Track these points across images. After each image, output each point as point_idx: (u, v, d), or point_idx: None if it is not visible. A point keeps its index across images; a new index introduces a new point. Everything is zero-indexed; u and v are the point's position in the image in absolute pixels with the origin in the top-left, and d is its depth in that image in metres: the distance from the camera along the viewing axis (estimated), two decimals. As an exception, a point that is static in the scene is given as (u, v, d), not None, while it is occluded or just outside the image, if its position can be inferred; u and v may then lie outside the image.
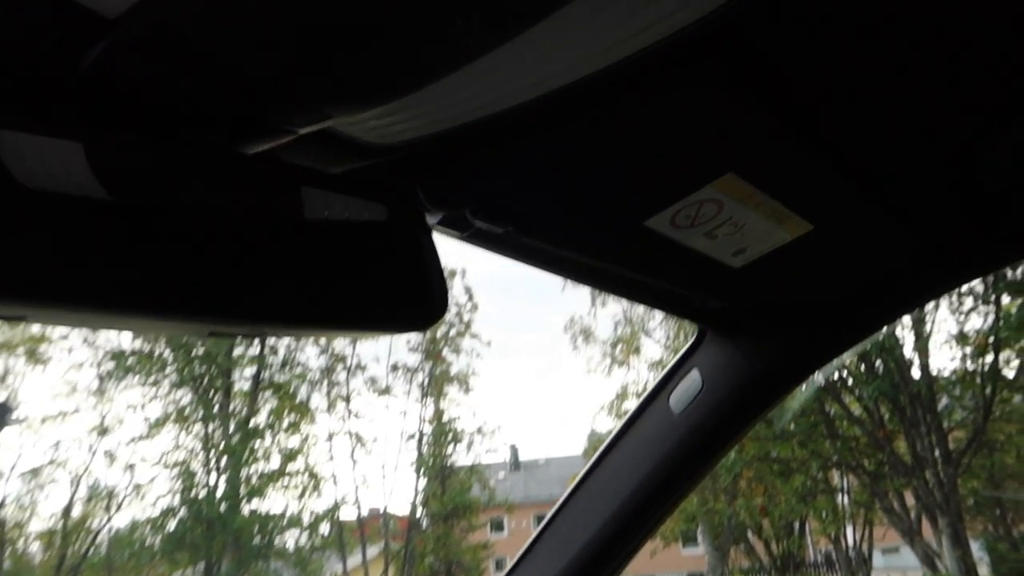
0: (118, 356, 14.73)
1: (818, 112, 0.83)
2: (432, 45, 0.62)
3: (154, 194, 0.60)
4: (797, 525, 14.76)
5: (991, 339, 10.08)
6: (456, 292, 17.39)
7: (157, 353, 15.06)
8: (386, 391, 17.31)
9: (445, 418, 17.74)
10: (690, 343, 1.51)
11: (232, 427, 15.58)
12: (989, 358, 10.19)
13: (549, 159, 0.84)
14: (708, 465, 1.50)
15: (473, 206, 0.87)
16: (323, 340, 16.14)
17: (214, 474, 15.21)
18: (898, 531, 11.59)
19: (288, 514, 15.53)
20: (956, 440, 10.89)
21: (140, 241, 0.58)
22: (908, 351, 10.98)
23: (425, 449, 17.61)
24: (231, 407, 15.80)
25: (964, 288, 10.09)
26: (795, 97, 0.79)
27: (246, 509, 14.91)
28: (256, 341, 15.58)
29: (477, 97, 0.71)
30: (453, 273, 17.47)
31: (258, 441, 15.48)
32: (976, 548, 11.36)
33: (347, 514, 16.88)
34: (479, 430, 17.92)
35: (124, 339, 15.19)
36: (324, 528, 16.40)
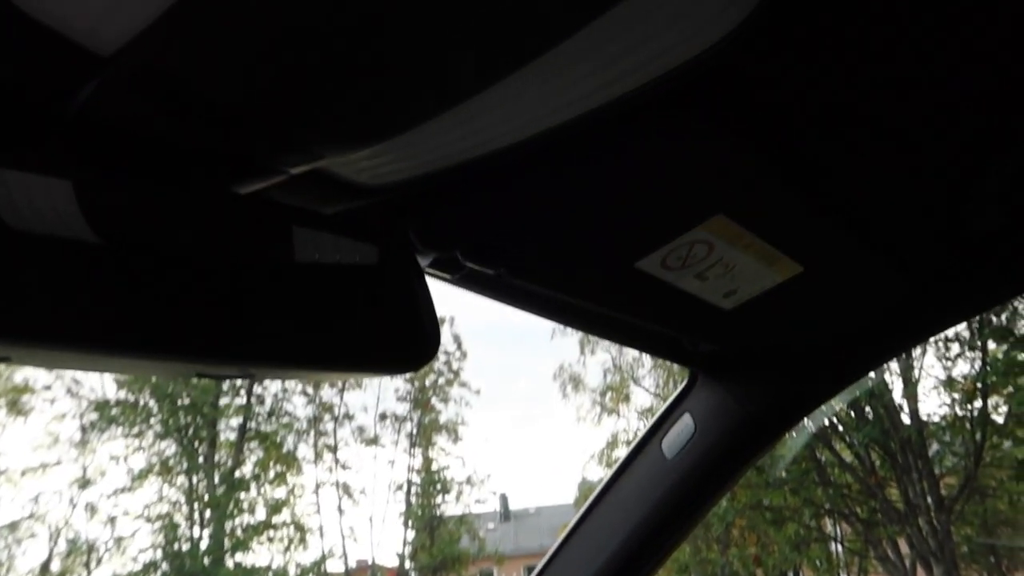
0: (102, 406, 14.52)
1: (806, 154, 0.84)
2: (424, 86, 0.63)
3: (143, 234, 0.60)
4: (791, 574, 14.54)
5: (979, 385, 10.10)
6: (445, 340, 17.33)
7: (142, 403, 14.86)
8: (374, 441, 17.11)
9: (434, 468, 17.52)
10: (682, 387, 1.50)
11: (217, 478, 15.31)
12: (978, 403, 10.20)
13: (540, 200, 0.84)
14: (702, 510, 1.48)
15: (464, 247, 0.87)
16: (311, 388, 16.01)
17: (198, 527, 14.89)
18: (893, 580, 11.43)
19: (274, 567, 15.18)
20: (948, 487, 10.82)
21: (128, 280, 0.57)
22: (897, 397, 10.98)
23: (413, 499, 17.35)
24: (216, 458, 15.55)
25: (950, 334, 10.15)
26: (783, 139, 0.80)
27: (230, 562, 14.55)
28: (243, 390, 15.44)
29: (468, 138, 0.71)
30: (442, 321, 17.38)
31: (243, 493, 15.20)
32: (972, 597, 11.21)
33: (334, 567, 16.50)
34: (468, 480, 17.70)
35: (108, 389, 15.01)
36: (310, 582, 16.01)
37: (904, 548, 11.26)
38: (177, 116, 0.61)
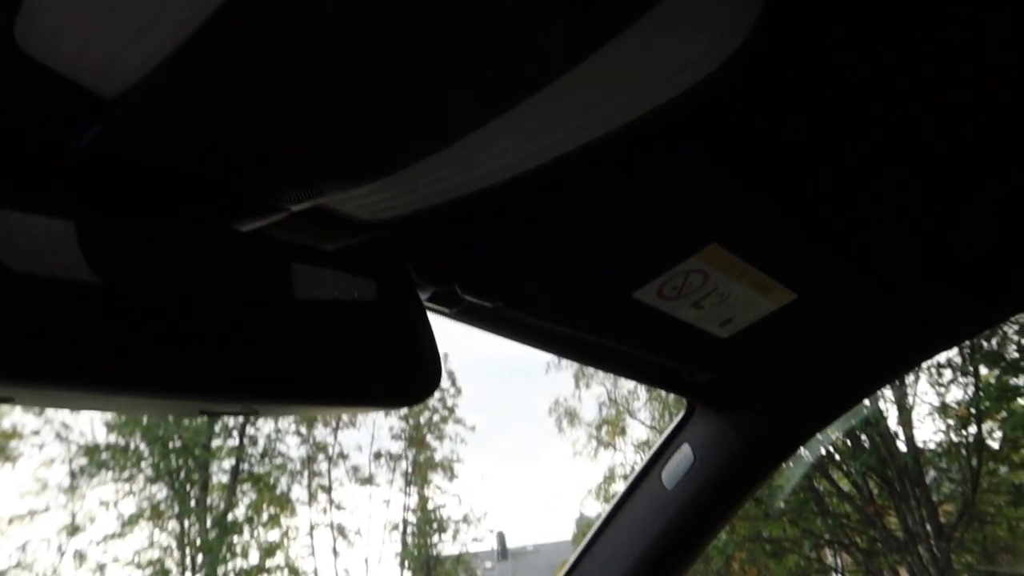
0: (92, 451, 14.33)
1: (796, 183, 0.86)
2: (424, 123, 0.64)
3: (145, 273, 0.60)
4: (793, 608, 14.34)
5: (973, 410, 10.10)
6: (438, 376, 17.15)
7: (132, 447, 14.67)
8: (369, 480, 16.90)
9: (430, 506, 17.31)
10: (680, 417, 1.51)
11: (209, 522, 15.07)
12: (972, 429, 10.19)
13: (538, 232, 0.85)
14: (704, 540, 1.47)
15: (463, 280, 0.88)
16: (304, 428, 15.86)
17: (190, 572, 14.61)
18: (896, 611, 11.30)
19: (267, 613, 14.89)
20: (947, 514, 10.75)
21: (130, 319, 0.58)
22: (892, 424, 10.96)
23: (409, 539, 17.09)
24: (208, 501, 15.32)
25: (943, 359, 10.18)
26: (774, 169, 0.82)
27: (223, 609, 14.28)
28: (235, 431, 15.29)
29: (466, 173, 0.73)
30: (435, 357, 17.26)
31: (236, 536, 14.96)
32: (975, 626, 11.07)
33: (328, 611, 16.19)
34: (465, 518, 17.47)
35: (98, 433, 14.82)
36: (304, 626, 15.71)
37: (905, 577, 11.15)
38: (180, 155, 0.62)
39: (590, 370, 15.53)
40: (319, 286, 0.69)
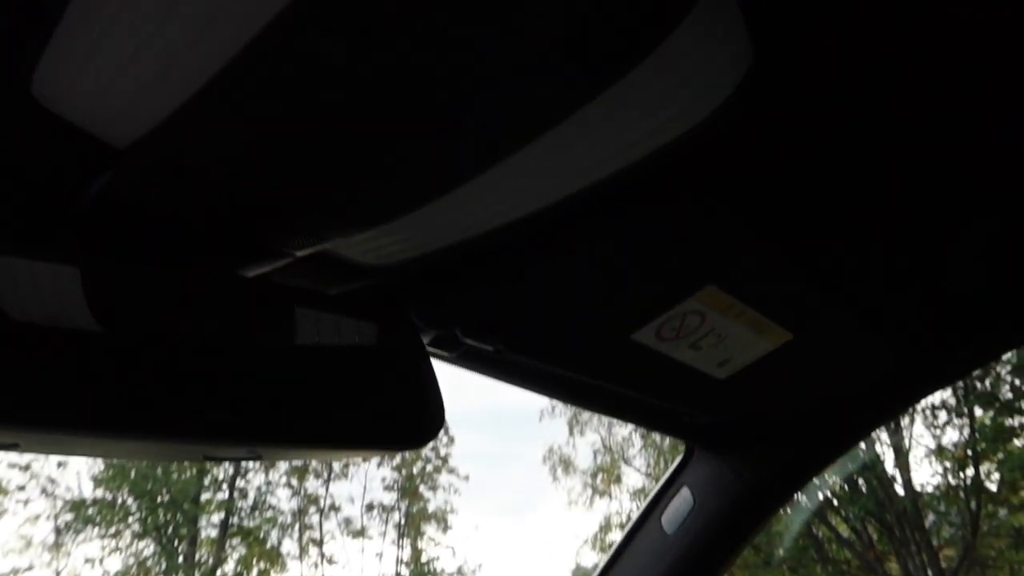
0: (78, 506, 14.07)
1: (790, 224, 0.87)
2: (427, 170, 0.65)
3: (151, 319, 0.61)
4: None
5: (969, 452, 10.06)
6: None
7: (119, 501, 14.42)
8: (361, 533, 16.61)
9: (423, 559, 16.98)
10: (679, 461, 1.50)
11: (198, 579, 14.75)
12: (970, 471, 10.14)
13: (537, 276, 0.86)
14: None
15: (463, 324, 0.89)
16: (295, 480, 15.64)
17: (177, 631, 14.25)
18: (900, 660, 11.08)
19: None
20: (947, 558, 10.63)
21: (135, 365, 0.58)
22: (889, 468, 10.90)
23: (403, 594, 16.74)
24: (197, 556, 15.00)
25: (937, 401, 10.18)
26: (769, 211, 0.84)
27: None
28: (225, 484, 15.06)
29: (466, 218, 0.74)
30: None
31: (225, 593, 14.64)
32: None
33: (320, 670, 15.75)
34: (459, 570, 17.12)
35: (85, 487, 14.57)
36: None
37: (909, 625, 10.96)
38: (188, 203, 0.63)
39: (584, 417, 15.45)
40: (322, 330, 0.70)
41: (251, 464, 14.87)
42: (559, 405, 15.32)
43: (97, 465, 13.96)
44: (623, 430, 15.45)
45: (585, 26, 0.52)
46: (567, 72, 0.56)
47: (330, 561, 16.36)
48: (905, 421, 10.64)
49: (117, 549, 14.40)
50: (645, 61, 0.55)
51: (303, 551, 15.92)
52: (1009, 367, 9.28)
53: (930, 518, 10.99)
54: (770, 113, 0.71)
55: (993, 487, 10.28)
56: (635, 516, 1.50)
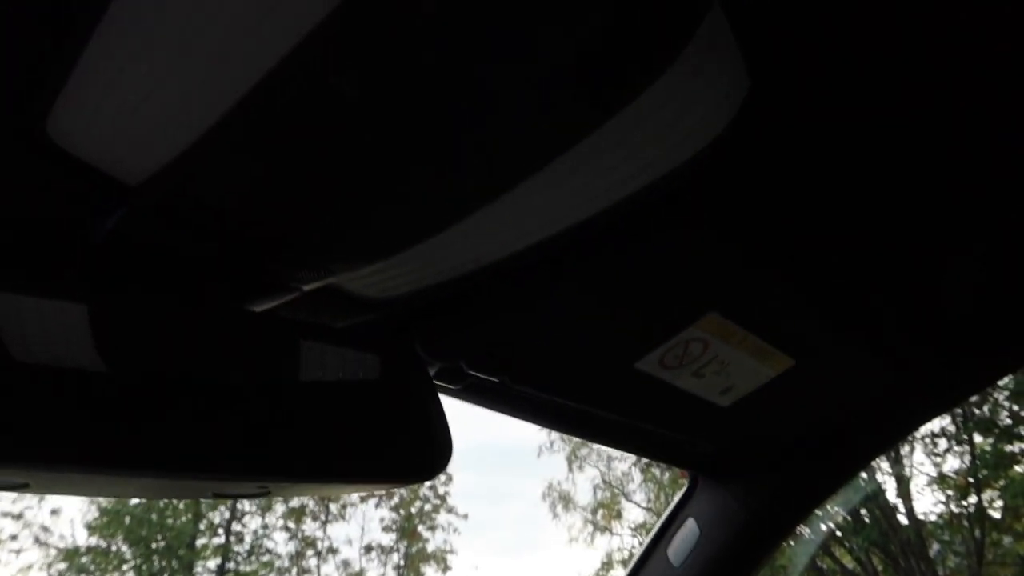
0: (71, 554, 13.84)
1: (791, 250, 0.88)
2: (432, 204, 0.66)
3: (159, 358, 0.61)
4: None
5: (971, 479, 10.00)
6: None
7: (114, 549, 14.19)
8: (359, 575, 16.36)
9: (423, 601, 16.70)
10: (683, 491, 1.49)
11: (193, 627, 14.46)
12: (973, 499, 10.06)
13: (541, 307, 0.87)
14: None
15: (468, 356, 0.89)
16: (292, 523, 15.43)
17: None
18: None
19: None
20: (954, 589, 10.52)
21: (145, 402, 0.58)
22: (892, 497, 10.82)
23: (402, 638, 16.43)
24: (193, 604, 14.74)
25: (936, 428, 10.14)
26: (769, 237, 0.85)
27: None
28: (221, 529, 14.86)
29: (472, 249, 0.75)
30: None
31: (221, 641, 14.34)
32: None
33: None
34: (460, 612, 16.84)
35: (79, 536, 14.33)
36: None
37: (918, 658, 10.78)
38: (198, 239, 0.64)
39: (583, 452, 15.33)
40: (329, 364, 0.70)
41: (247, 507, 14.70)
42: (557, 440, 15.22)
43: (91, 512, 13.78)
44: (622, 464, 15.33)
45: (590, 56, 0.53)
46: (571, 103, 0.57)
47: (328, 606, 16.09)
48: (905, 449, 10.59)
49: (111, 598, 14.13)
50: (647, 90, 0.57)
51: (301, 596, 15.66)
52: (1007, 393, 9.27)
53: (935, 547, 10.88)
54: (767, 141, 0.72)
55: (996, 514, 10.21)
56: (640, 548, 1.49)
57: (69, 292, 0.57)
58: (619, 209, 0.72)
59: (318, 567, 15.97)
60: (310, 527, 15.80)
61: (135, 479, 0.60)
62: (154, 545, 14.32)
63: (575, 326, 0.91)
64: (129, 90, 0.50)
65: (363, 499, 15.96)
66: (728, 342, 0.98)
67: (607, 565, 15.66)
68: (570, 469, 16.42)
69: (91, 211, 0.59)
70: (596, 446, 14.24)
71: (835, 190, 0.81)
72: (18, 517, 12.90)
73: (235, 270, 0.68)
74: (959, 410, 9.34)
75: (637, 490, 15.65)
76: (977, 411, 9.67)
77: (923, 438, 10.36)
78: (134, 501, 13.76)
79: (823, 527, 10.57)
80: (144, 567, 14.26)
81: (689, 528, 1.43)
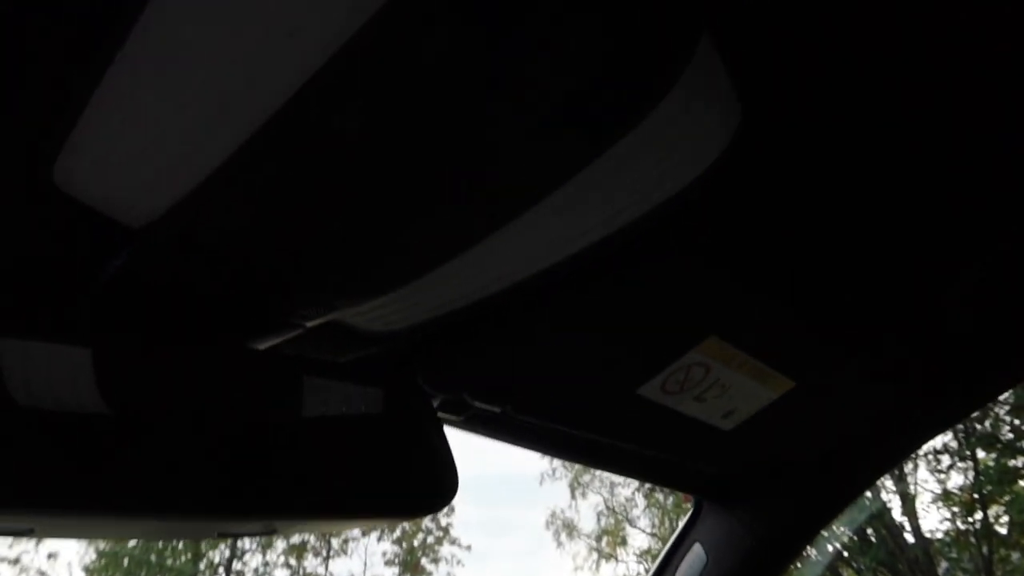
0: (69, 595, 13.64)
1: (789, 273, 0.89)
2: (432, 239, 0.67)
3: (163, 399, 0.61)
4: None
5: (976, 495, 9.94)
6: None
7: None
8: (362, 611, 16.12)
9: (427, 636, 16.45)
10: (688, 516, 1.48)
11: (194, 670, 14.22)
12: (978, 515, 9.99)
13: (541, 335, 0.88)
14: None
15: (471, 387, 0.90)
16: (293, 560, 15.25)
17: None
18: None
19: None
20: (965, 607, 10.40)
21: (149, 444, 0.58)
22: (897, 516, 10.73)
23: (407, 674, 16.15)
24: (194, 646, 14.50)
25: (939, 445, 10.09)
26: (767, 260, 0.86)
27: None
28: (221, 568, 14.67)
29: (472, 281, 0.75)
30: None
31: None
32: None
33: None
34: (465, 647, 16.60)
35: (77, 578, 14.12)
36: None
37: None
38: (202, 279, 0.64)
39: (586, 479, 15.22)
40: (333, 400, 0.70)
41: (248, 544, 14.53)
42: (559, 468, 15.12)
43: (88, 554, 13.61)
44: (626, 490, 15.21)
45: (585, 92, 0.54)
46: (568, 138, 0.58)
47: (332, 643, 15.83)
48: (909, 467, 10.52)
49: (110, 641, 13.89)
50: (641, 123, 0.58)
51: (304, 634, 15.42)
52: (1007, 407, 9.25)
53: (943, 565, 10.78)
54: (762, 167, 0.73)
55: (1003, 530, 10.13)
56: (650, 574, 1.48)
57: (72, 334, 0.58)
58: (617, 238, 0.72)
59: (321, 604, 15.75)
60: (312, 563, 15.62)
61: (140, 521, 0.60)
62: (154, 586, 14.12)
63: (576, 354, 0.92)
64: (134, 137, 0.50)
65: (365, 533, 15.81)
66: (729, 365, 0.99)
67: (613, 593, 15.47)
68: (573, 496, 16.30)
69: (95, 255, 0.59)
70: (599, 472, 14.16)
71: (830, 213, 0.82)
72: (15, 562, 12.74)
73: (239, 308, 0.68)
74: (961, 426, 9.31)
75: (641, 516, 15.52)
76: (979, 426, 9.63)
77: (926, 455, 10.31)
78: (132, 542, 13.60)
79: (830, 548, 10.48)
80: (144, 609, 14.05)
81: (696, 554, 1.42)
